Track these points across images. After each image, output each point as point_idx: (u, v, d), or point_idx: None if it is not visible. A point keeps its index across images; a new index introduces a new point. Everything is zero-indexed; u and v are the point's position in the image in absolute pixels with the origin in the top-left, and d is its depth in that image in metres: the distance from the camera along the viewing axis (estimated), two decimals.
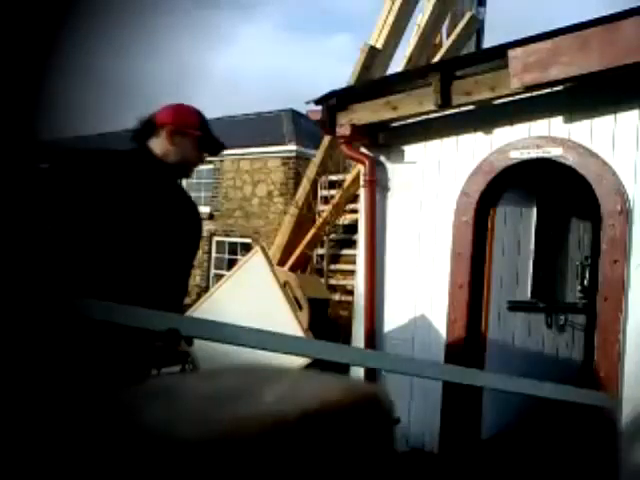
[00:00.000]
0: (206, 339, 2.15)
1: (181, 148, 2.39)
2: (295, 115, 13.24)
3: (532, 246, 4.84)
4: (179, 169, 2.44)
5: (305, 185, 8.66)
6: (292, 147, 12.10)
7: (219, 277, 10.35)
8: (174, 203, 2.38)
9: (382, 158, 4.75)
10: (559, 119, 3.91)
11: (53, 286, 1.94)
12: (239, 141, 13.22)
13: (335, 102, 4.62)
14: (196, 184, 13.82)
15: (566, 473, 3.79)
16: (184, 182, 14.34)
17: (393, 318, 4.65)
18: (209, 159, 13.95)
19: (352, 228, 7.94)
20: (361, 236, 4.85)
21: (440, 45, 9.17)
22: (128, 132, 2.44)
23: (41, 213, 2.02)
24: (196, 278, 13.36)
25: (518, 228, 4.69)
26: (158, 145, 2.36)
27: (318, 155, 8.58)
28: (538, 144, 3.95)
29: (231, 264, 11.10)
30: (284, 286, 5.63)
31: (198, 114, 2.46)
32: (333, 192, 8.65)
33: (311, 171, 8.64)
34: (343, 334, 6.07)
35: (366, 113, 4.54)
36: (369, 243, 4.68)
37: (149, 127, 2.37)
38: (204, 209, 13.42)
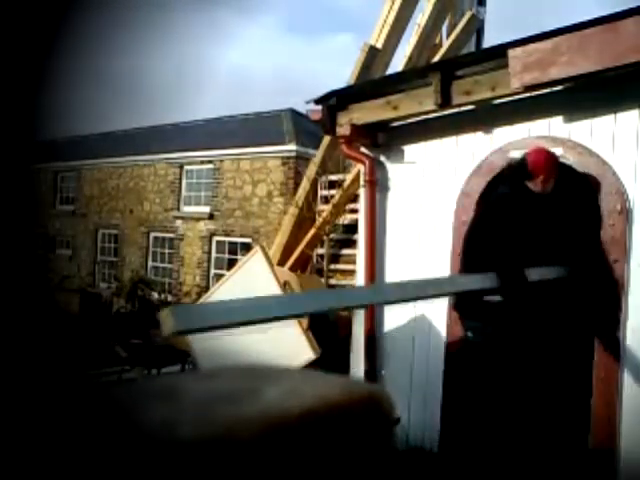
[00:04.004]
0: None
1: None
2: (295, 115, 13.24)
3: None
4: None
5: (305, 185, 8.65)
6: (292, 147, 12.09)
7: (219, 277, 10.34)
8: None
9: (382, 158, 4.75)
10: (559, 119, 3.91)
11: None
12: (239, 141, 13.22)
13: (335, 102, 4.62)
14: (196, 184, 13.81)
15: (564, 473, 3.79)
16: (184, 183, 14.27)
17: (393, 318, 4.65)
18: (209, 159, 13.74)
19: (352, 228, 7.93)
20: (361, 236, 4.85)
21: (440, 45, 9.16)
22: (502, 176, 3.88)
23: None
24: (196, 278, 13.36)
25: None
26: (534, 186, 3.53)
27: (318, 155, 8.57)
28: (538, 144, 3.94)
29: (231, 264, 11.09)
30: (284, 286, 5.63)
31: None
32: (333, 192, 8.64)
33: (311, 171, 8.63)
34: (343, 334, 6.06)
35: (366, 113, 4.54)
36: (369, 243, 4.68)
37: (525, 173, 3.51)
38: (204, 209, 13.42)
